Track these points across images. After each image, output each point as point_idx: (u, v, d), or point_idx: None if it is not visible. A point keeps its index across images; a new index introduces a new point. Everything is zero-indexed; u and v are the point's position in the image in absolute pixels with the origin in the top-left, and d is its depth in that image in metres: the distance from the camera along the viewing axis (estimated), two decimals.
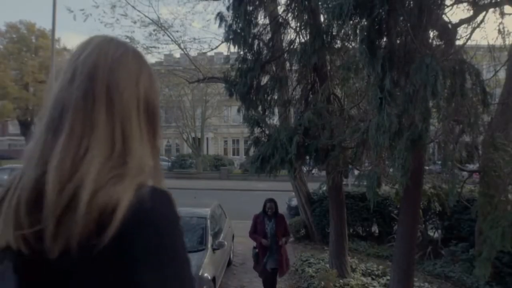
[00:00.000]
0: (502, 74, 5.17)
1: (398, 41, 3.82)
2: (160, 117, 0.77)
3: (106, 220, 0.59)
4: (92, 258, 0.60)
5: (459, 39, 4.26)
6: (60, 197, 0.61)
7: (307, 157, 5.51)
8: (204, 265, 4.99)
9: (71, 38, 53.76)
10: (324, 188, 8.09)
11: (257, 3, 5.61)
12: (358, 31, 3.83)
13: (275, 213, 5.19)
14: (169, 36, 10.27)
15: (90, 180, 0.61)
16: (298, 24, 5.70)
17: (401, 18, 3.67)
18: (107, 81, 0.68)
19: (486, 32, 8.91)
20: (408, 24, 3.59)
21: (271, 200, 5.26)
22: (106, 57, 0.70)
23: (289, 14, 5.84)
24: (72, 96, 0.67)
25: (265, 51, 5.87)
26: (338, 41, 5.54)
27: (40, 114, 0.71)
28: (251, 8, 5.53)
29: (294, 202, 10.37)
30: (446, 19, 4.06)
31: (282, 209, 12.08)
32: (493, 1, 4.20)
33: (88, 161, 0.63)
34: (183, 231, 0.67)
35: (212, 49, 11.03)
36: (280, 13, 6.00)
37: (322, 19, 5.40)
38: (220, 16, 5.71)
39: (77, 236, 0.59)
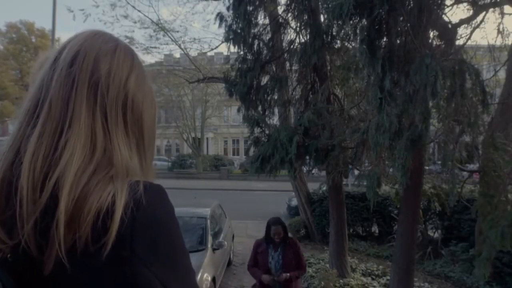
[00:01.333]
0: (502, 74, 5.17)
1: (398, 41, 3.82)
2: (146, 121, 0.71)
3: (103, 224, 0.55)
4: (91, 266, 0.56)
5: (459, 39, 4.26)
6: (36, 196, 0.55)
7: (307, 157, 5.50)
8: (204, 265, 4.99)
9: None
10: (324, 188, 8.09)
11: (257, 3, 5.60)
12: (358, 31, 3.82)
13: (284, 239, 3.90)
14: (169, 37, 10.31)
15: (69, 179, 0.56)
16: (298, 24, 5.69)
17: (401, 18, 3.66)
18: (91, 72, 0.64)
19: (486, 32, 8.96)
20: (408, 24, 3.59)
21: (278, 222, 3.91)
22: (93, 47, 0.65)
23: (289, 14, 5.84)
24: (52, 84, 0.62)
25: (265, 51, 5.87)
26: (338, 41, 5.54)
27: (21, 104, 0.66)
28: (251, 8, 5.53)
29: (294, 202, 10.38)
30: (446, 19, 4.06)
31: (282, 209, 12.19)
32: (493, 1, 4.21)
33: (66, 157, 0.58)
34: (178, 222, 0.64)
35: (212, 49, 11.06)
36: (280, 13, 6.00)
37: (322, 19, 5.40)
38: (220, 16, 5.71)
39: (69, 245, 0.54)
